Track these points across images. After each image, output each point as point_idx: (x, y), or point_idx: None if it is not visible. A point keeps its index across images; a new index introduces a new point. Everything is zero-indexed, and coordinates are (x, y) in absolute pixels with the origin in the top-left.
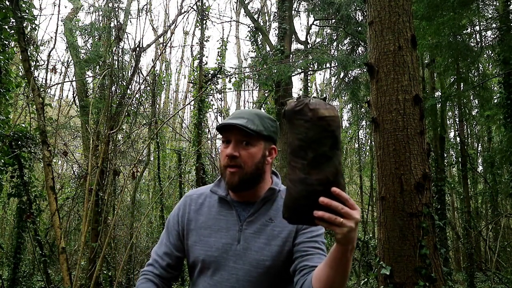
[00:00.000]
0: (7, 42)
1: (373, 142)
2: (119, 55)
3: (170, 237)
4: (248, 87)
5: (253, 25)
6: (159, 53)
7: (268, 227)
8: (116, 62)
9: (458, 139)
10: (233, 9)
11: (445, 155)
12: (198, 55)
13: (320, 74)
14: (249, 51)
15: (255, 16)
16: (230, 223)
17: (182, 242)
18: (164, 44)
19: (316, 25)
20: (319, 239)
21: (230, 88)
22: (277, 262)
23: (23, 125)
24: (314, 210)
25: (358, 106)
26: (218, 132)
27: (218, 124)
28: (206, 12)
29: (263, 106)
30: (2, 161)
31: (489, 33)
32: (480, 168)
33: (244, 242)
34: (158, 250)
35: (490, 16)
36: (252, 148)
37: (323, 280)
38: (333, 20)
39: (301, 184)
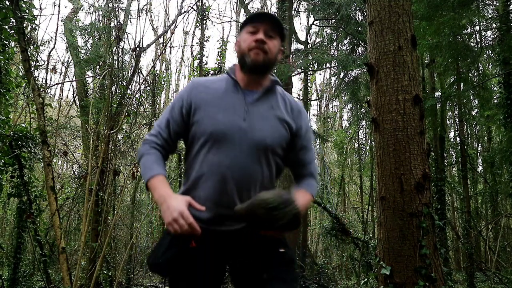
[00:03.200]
0: (7, 42)
1: (373, 142)
2: (119, 55)
3: (172, 113)
4: None
5: None
6: (159, 53)
7: (270, 111)
8: (116, 62)
9: (458, 139)
10: (233, 9)
11: (445, 155)
12: (198, 55)
13: (320, 74)
14: None
15: None
16: (237, 103)
17: (183, 119)
18: (164, 44)
19: (316, 25)
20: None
21: None
22: (276, 141)
23: (23, 125)
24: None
25: (358, 106)
26: (244, 23)
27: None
28: (206, 12)
29: None
30: (2, 161)
31: (489, 33)
32: (480, 168)
33: (250, 120)
34: (161, 124)
35: (490, 16)
36: (274, 40)
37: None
38: (333, 20)
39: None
